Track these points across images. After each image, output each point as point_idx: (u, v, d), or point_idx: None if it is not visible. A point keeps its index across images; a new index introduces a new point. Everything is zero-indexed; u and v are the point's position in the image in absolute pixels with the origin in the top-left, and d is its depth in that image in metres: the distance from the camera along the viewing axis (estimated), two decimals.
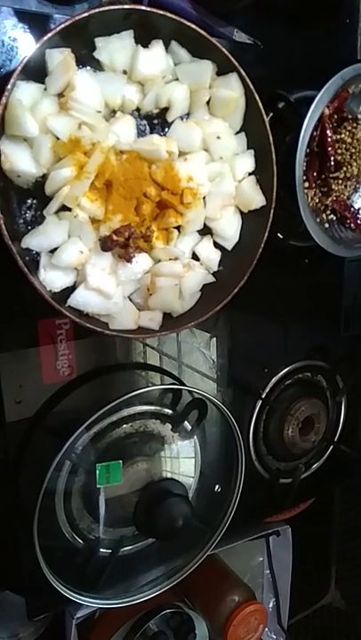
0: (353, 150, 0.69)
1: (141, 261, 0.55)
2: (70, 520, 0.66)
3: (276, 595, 1.02)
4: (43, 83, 0.49)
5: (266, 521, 0.96)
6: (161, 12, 0.51)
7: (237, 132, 0.59)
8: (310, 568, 1.15)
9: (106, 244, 0.52)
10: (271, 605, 1.02)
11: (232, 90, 0.55)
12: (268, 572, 1.01)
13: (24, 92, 0.47)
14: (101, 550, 0.68)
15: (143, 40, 0.52)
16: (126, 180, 0.52)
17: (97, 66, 0.51)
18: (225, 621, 0.87)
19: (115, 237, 0.52)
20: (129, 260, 0.53)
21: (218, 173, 0.57)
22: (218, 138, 0.56)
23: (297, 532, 0.98)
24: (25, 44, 0.51)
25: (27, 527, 0.60)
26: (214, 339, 0.80)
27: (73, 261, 0.51)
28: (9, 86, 0.45)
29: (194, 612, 0.84)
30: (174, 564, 0.75)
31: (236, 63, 0.55)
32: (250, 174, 0.59)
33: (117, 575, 0.70)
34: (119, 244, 0.52)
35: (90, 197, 0.51)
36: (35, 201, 0.51)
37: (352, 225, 0.72)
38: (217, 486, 0.76)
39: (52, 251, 0.51)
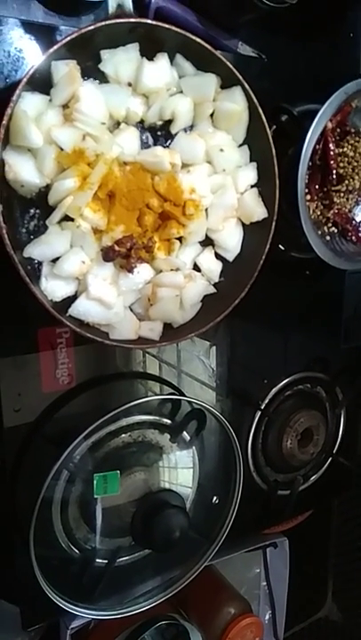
0: (355, 164, 0.69)
1: (143, 272, 0.55)
2: (67, 529, 0.65)
3: (273, 607, 1.01)
4: (48, 94, 0.49)
5: (263, 533, 0.95)
6: (167, 26, 0.51)
7: (240, 145, 0.59)
8: (307, 580, 1.14)
9: (108, 255, 0.52)
10: (267, 618, 1.02)
11: (236, 103, 0.56)
12: (265, 584, 1.00)
13: (29, 103, 0.47)
14: (97, 560, 0.67)
15: (148, 53, 0.53)
16: (129, 191, 0.52)
17: (102, 78, 0.52)
18: (221, 634, 0.86)
19: (117, 248, 0.52)
20: (130, 270, 0.53)
21: (220, 185, 0.58)
22: (221, 150, 0.57)
23: (294, 544, 0.98)
24: (31, 55, 0.51)
25: (23, 536, 0.59)
26: (214, 347, 0.80)
27: (75, 271, 0.51)
28: (14, 97, 0.46)
29: (189, 624, 0.83)
30: (171, 575, 0.75)
31: (240, 77, 0.55)
32: (252, 186, 0.60)
33: (113, 586, 0.69)
34: (121, 255, 0.52)
35: (93, 208, 0.51)
36: (37, 211, 0.51)
37: (353, 238, 0.72)
38: (215, 497, 0.76)
39: (54, 260, 0.51)
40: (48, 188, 0.50)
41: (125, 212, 0.53)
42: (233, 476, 0.74)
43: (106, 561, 0.68)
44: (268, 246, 0.59)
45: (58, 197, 0.50)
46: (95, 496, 0.63)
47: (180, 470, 0.73)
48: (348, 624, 1.17)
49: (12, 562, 0.63)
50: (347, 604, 1.17)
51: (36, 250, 0.50)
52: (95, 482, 0.62)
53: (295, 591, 1.01)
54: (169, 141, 0.57)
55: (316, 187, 0.68)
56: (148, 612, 0.72)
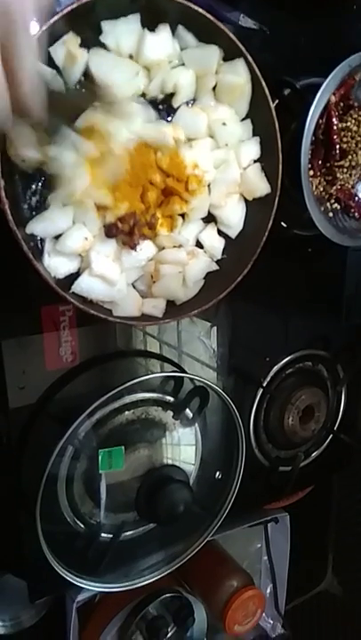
0: (358, 139, 0.68)
1: (146, 249, 0.55)
2: (72, 505, 0.66)
3: (274, 581, 1.03)
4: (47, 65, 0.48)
5: (265, 508, 0.97)
6: None
7: (243, 119, 0.58)
8: (308, 555, 1.16)
9: (110, 231, 0.52)
10: (269, 591, 1.04)
11: (238, 76, 0.55)
12: (266, 558, 1.02)
13: None
14: (103, 535, 0.69)
15: (150, 24, 0.52)
16: (132, 167, 0.52)
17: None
18: (223, 606, 0.88)
19: (119, 224, 0.52)
20: (133, 247, 0.53)
21: (223, 160, 0.57)
22: (223, 124, 0.56)
23: (295, 519, 0.99)
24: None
25: (29, 511, 0.60)
26: (215, 328, 0.80)
27: (77, 248, 0.51)
28: None
29: (193, 597, 0.85)
30: (174, 549, 0.76)
31: (243, 49, 0.54)
32: (255, 161, 0.59)
33: (118, 560, 0.71)
34: (124, 232, 0.52)
35: None
36: (40, 186, 0.51)
37: (356, 214, 0.72)
38: (217, 473, 0.77)
39: (57, 237, 0.51)
40: None
41: (128, 188, 0.52)
42: (235, 453, 0.75)
43: (111, 535, 0.69)
44: (270, 223, 0.58)
45: None
46: (100, 471, 0.64)
47: (183, 447, 0.74)
48: (348, 597, 1.20)
49: (20, 537, 0.64)
50: (346, 577, 1.20)
51: (38, 226, 0.49)
52: (100, 457, 0.63)
53: (296, 565, 1.03)
54: (171, 115, 0.56)
55: (320, 162, 0.68)
56: (152, 586, 0.74)
